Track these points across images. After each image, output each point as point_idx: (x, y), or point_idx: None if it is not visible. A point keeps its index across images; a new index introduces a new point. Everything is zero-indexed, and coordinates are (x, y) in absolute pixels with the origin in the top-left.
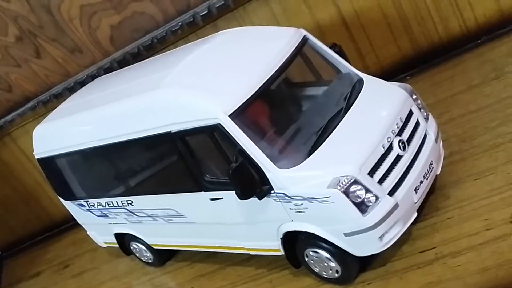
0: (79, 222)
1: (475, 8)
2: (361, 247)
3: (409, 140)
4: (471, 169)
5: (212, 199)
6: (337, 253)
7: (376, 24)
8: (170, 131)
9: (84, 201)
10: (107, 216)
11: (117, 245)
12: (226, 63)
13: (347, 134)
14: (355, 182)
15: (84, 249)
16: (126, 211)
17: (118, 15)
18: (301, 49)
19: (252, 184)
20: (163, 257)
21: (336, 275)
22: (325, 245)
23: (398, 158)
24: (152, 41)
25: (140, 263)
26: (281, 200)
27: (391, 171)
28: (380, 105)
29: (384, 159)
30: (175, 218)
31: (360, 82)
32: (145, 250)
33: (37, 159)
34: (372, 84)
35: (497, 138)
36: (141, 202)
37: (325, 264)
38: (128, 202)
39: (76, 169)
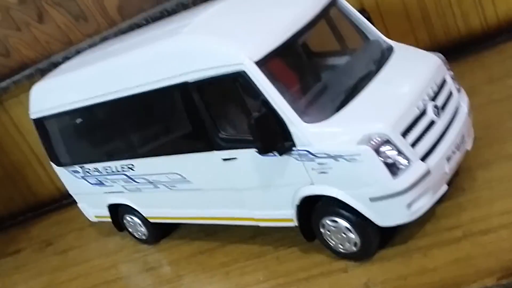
0: (71, 192)
1: (497, 5)
2: (386, 216)
3: (443, 107)
4: (499, 152)
5: (225, 159)
6: (358, 222)
7: (395, 14)
8: (186, 81)
9: (80, 167)
10: (103, 184)
11: (109, 219)
12: (253, 14)
13: (379, 93)
14: (387, 141)
15: (69, 228)
16: (125, 177)
17: None
18: (332, 7)
19: (274, 137)
20: (159, 233)
21: (354, 248)
22: (345, 213)
23: (432, 124)
24: (162, 14)
25: (132, 240)
26: (303, 159)
27: (424, 135)
28: (414, 68)
29: (418, 122)
30: (180, 184)
31: (390, 47)
32: (140, 224)
33: (33, 119)
34: (404, 50)
35: None
36: (143, 166)
37: (343, 235)
38: (129, 166)
39: (74, 130)
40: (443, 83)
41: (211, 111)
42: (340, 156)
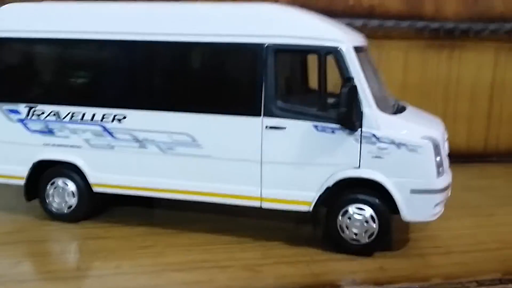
0: None
1: None
2: (416, 210)
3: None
4: None
5: (271, 127)
6: (384, 213)
7: None
8: (263, 43)
9: (26, 107)
10: (51, 133)
11: (19, 180)
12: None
13: (418, 115)
14: (438, 147)
15: None
16: (99, 129)
17: None
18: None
19: (352, 112)
20: (89, 209)
21: (367, 240)
22: (377, 201)
23: None
24: None
25: (39, 215)
26: (364, 141)
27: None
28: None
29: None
30: (182, 148)
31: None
32: (72, 193)
33: None
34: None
35: None
36: (140, 119)
37: (365, 224)
38: (116, 117)
39: (41, 63)
40: None
41: (278, 77)
42: (403, 145)
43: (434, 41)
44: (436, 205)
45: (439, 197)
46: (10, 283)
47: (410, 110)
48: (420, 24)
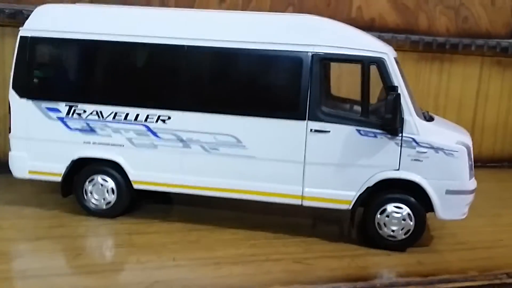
0: (14, 133)
1: None
2: (449, 209)
3: None
4: None
5: (316, 131)
6: (420, 212)
7: None
8: (310, 51)
9: (66, 105)
10: (93, 131)
11: (55, 177)
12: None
13: (447, 124)
14: (470, 152)
15: None
16: (143, 129)
17: None
18: None
19: (397, 117)
20: (126, 204)
21: (403, 236)
22: (414, 201)
23: None
24: None
25: (72, 211)
26: (404, 145)
27: None
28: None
29: None
30: (226, 148)
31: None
32: (111, 190)
33: (23, 37)
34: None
35: None
36: (185, 120)
37: (403, 221)
38: (161, 117)
39: (84, 63)
40: None
41: (323, 84)
42: (441, 149)
43: (427, 53)
44: (467, 205)
45: (470, 198)
46: (71, 277)
47: (438, 118)
48: (415, 37)
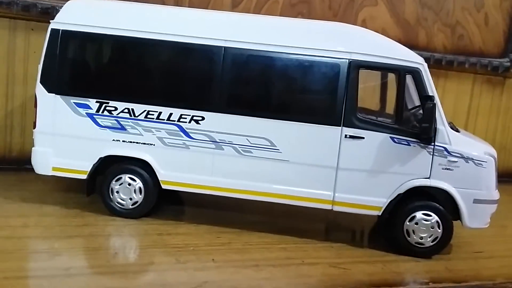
0: (39, 128)
1: None
2: (476, 218)
3: None
4: None
5: (350, 136)
6: (448, 220)
7: None
8: (348, 58)
9: (97, 102)
10: (123, 129)
11: (81, 175)
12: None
13: (471, 136)
14: (496, 163)
15: None
16: (175, 128)
17: None
18: None
19: (432, 126)
20: (151, 204)
21: (431, 244)
22: (442, 209)
23: None
24: None
25: (96, 210)
26: (436, 154)
27: None
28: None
29: None
30: (259, 151)
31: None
32: (139, 190)
33: (55, 29)
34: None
35: None
36: (220, 121)
37: (431, 229)
38: (195, 118)
39: (120, 60)
40: None
41: (358, 91)
42: (471, 159)
43: None
44: (491, 214)
45: (494, 207)
46: (115, 275)
47: (462, 130)
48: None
